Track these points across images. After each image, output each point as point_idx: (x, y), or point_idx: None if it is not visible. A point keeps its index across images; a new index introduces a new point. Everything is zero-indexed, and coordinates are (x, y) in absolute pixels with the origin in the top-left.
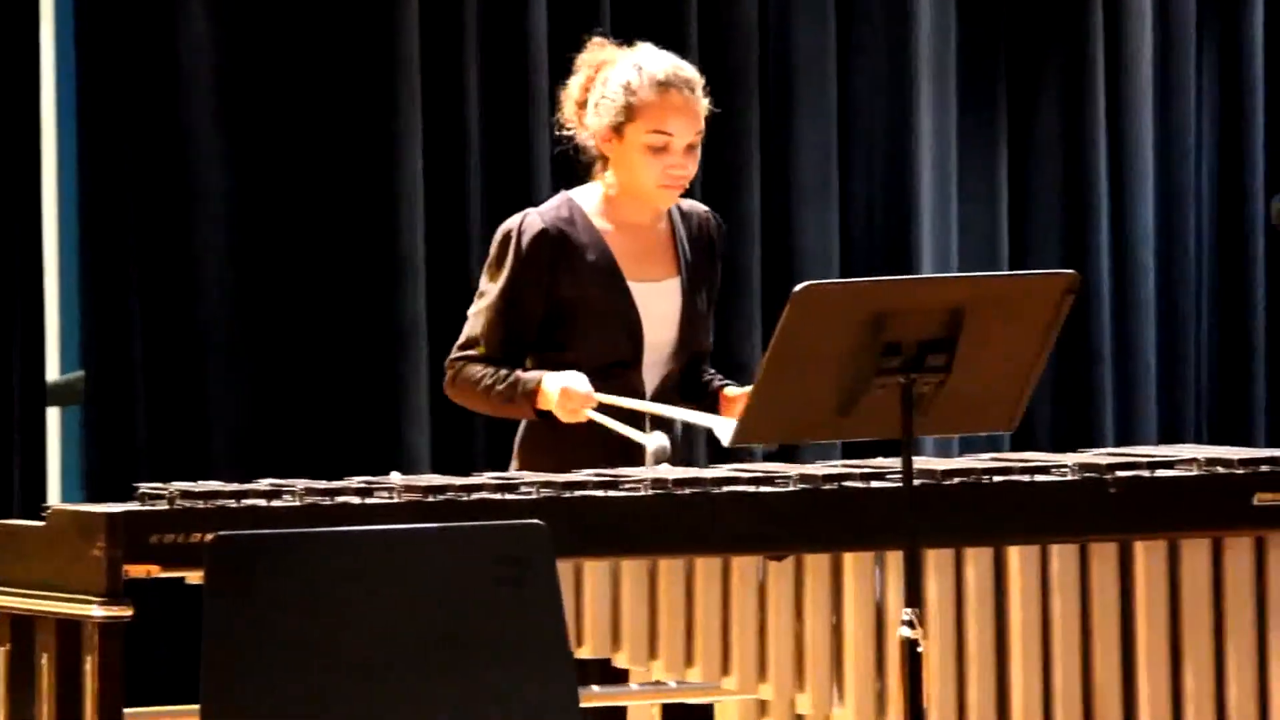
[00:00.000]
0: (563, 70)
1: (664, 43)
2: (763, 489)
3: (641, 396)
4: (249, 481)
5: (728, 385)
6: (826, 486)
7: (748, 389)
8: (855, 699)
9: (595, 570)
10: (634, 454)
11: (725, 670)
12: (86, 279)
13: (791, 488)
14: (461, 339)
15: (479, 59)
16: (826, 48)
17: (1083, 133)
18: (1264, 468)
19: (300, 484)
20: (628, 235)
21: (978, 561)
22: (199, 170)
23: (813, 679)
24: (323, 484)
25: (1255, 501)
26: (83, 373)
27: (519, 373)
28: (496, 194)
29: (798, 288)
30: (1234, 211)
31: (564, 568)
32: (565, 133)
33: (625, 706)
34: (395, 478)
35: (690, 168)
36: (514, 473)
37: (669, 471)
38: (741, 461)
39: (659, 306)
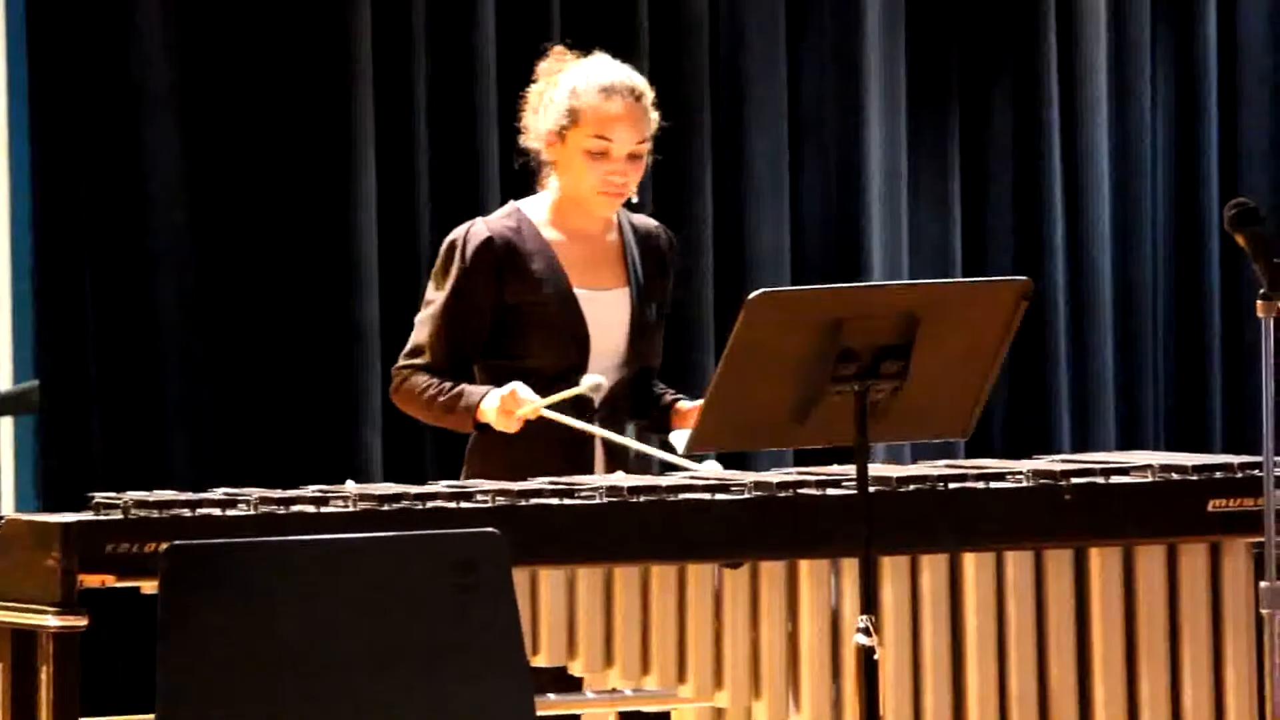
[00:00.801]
0: (511, 79)
1: (615, 51)
2: (718, 496)
3: (589, 404)
4: (204, 490)
5: (680, 399)
6: (782, 494)
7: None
8: (811, 706)
9: (550, 578)
10: (585, 462)
11: (681, 678)
12: (40, 288)
13: (747, 495)
14: (408, 347)
15: (428, 69)
16: (777, 55)
17: (1036, 138)
18: (1218, 474)
19: (255, 493)
20: (576, 244)
21: (933, 568)
22: (153, 178)
23: (769, 686)
24: (278, 493)
25: (1210, 508)
26: (37, 382)
27: (464, 386)
28: (445, 200)
29: (752, 295)
30: (1189, 216)
31: (519, 575)
32: (530, 144)
33: (581, 715)
34: (350, 486)
35: (633, 176)
36: (469, 481)
37: (624, 480)
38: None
39: (606, 315)
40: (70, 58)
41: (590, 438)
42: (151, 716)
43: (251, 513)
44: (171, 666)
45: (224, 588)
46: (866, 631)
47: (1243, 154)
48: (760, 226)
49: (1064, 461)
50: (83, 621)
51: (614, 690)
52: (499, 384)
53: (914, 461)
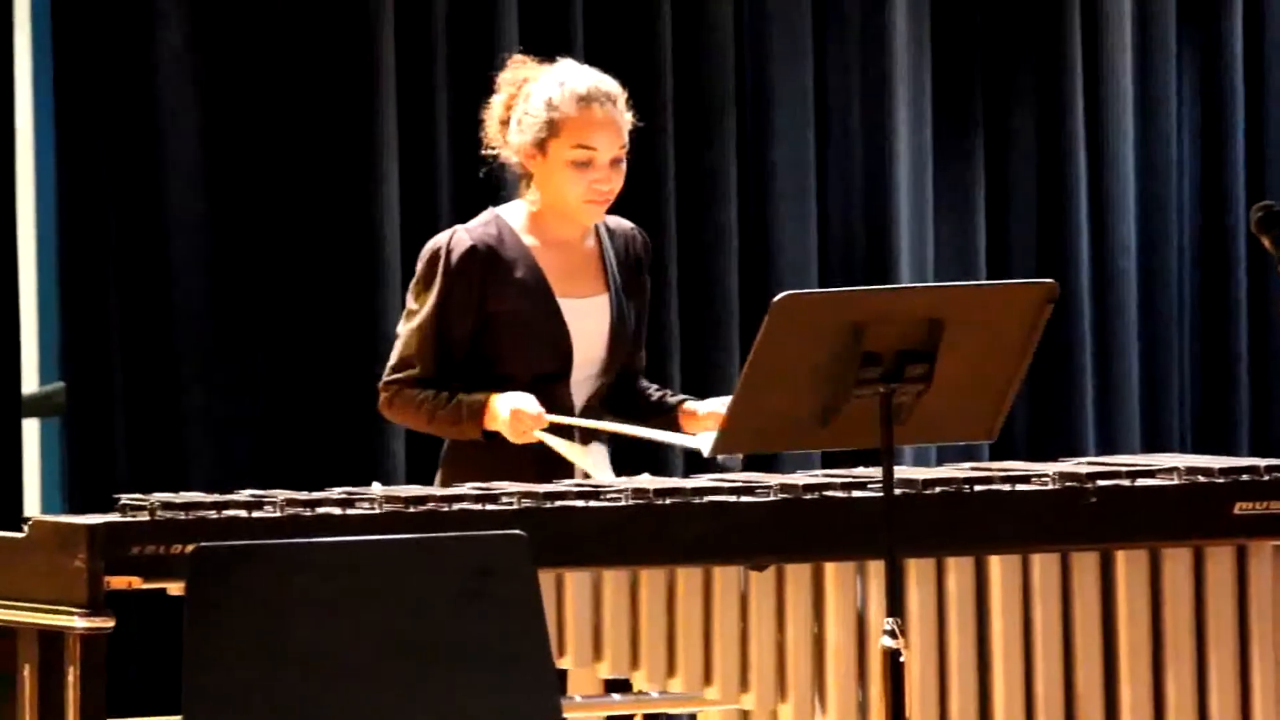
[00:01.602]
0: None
1: (639, 58)
2: (744, 499)
3: (570, 411)
4: (229, 492)
5: (686, 399)
6: (807, 496)
7: (709, 402)
8: (837, 709)
9: (576, 580)
10: (561, 471)
11: (707, 680)
12: (65, 290)
13: (772, 498)
14: (393, 360)
15: (450, 75)
16: (803, 59)
17: (1061, 143)
18: (1244, 477)
19: (281, 495)
20: (555, 252)
21: (959, 571)
22: (177, 183)
23: (794, 689)
24: (304, 495)
25: (1236, 510)
26: (62, 384)
27: (462, 395)
28: (468, 205)
29: (777, 297)
30: (1215, 221)
31: (545, 578)
32: (489, 152)
33: (607, 717)
34: (376, 488)
35: (615, 182)
36: (494, 484)
37: (649, 482)
38: (720, 472)
39: (588, 323)
40: (94, 62)
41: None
42: (177, 718)
43: (278, 514)
44: (197, 668)
45: (250, 589)
46: (892, 634)
47: (1269, 159)
48: (786, 230)
49: (1089, 464)
50: (109, 623)
51: (640, 693)
52: (482, 391)
53: (939, 464)
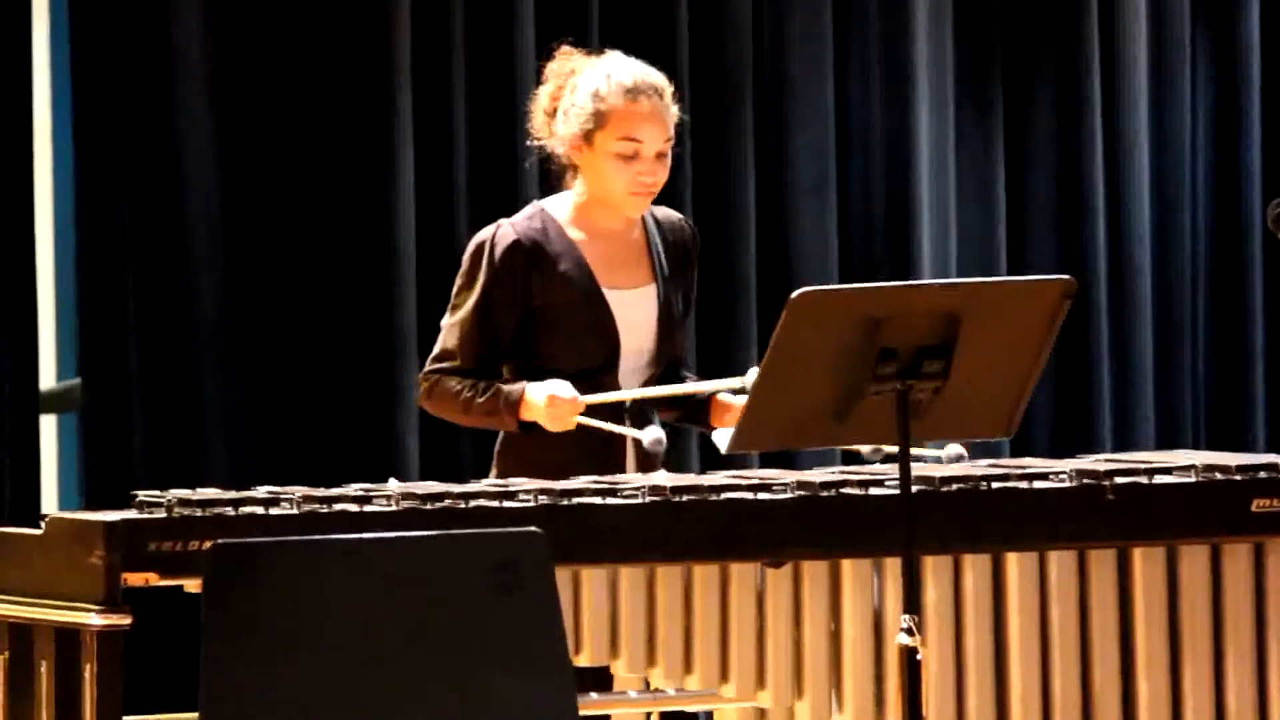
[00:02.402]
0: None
1: (656, 46)
2: (760, 496)
3: (620, 406)
4: (246, 488)
5: (718, 391)
6: (824, 493)
7: (738, 395)
8: (854, 706)
9: (593, 577)
10: (617, 461)
11: (724, 677)
12: (83, 287)
13: (789, 494)
14: (436, 351)
15: (467, 67)
16: (823, 49)
17: (1079, 135)
18: (1262, 474)
19: (298, 491)
20: (601, 243)
21: (976, 568)
22: (194, 178)
23: (811, 686)
24: (321, 491)
25: (1253, 508)
26: (79, 380)
27: (500, 385)
28: (484, 201)
29: (794, 293)
30: (1230, 215)
31: (562, 575)
32: (535, 143)
33: (623, 714)
34: (393, 485)
35: (660, 175)
36: (511, 480)
37: (667, 479)
38: (737, 469)
39: (634, 313)
40: (112, 59)
41: (622, 440)
42: (195, 715)
43: (295, 511)
44: (215, 664)
45: (267, 586)
46: (909, 631)
47: None
48: (805, 223)
49: (1107, 461)
50: (126, 620)
51: (656, 690)
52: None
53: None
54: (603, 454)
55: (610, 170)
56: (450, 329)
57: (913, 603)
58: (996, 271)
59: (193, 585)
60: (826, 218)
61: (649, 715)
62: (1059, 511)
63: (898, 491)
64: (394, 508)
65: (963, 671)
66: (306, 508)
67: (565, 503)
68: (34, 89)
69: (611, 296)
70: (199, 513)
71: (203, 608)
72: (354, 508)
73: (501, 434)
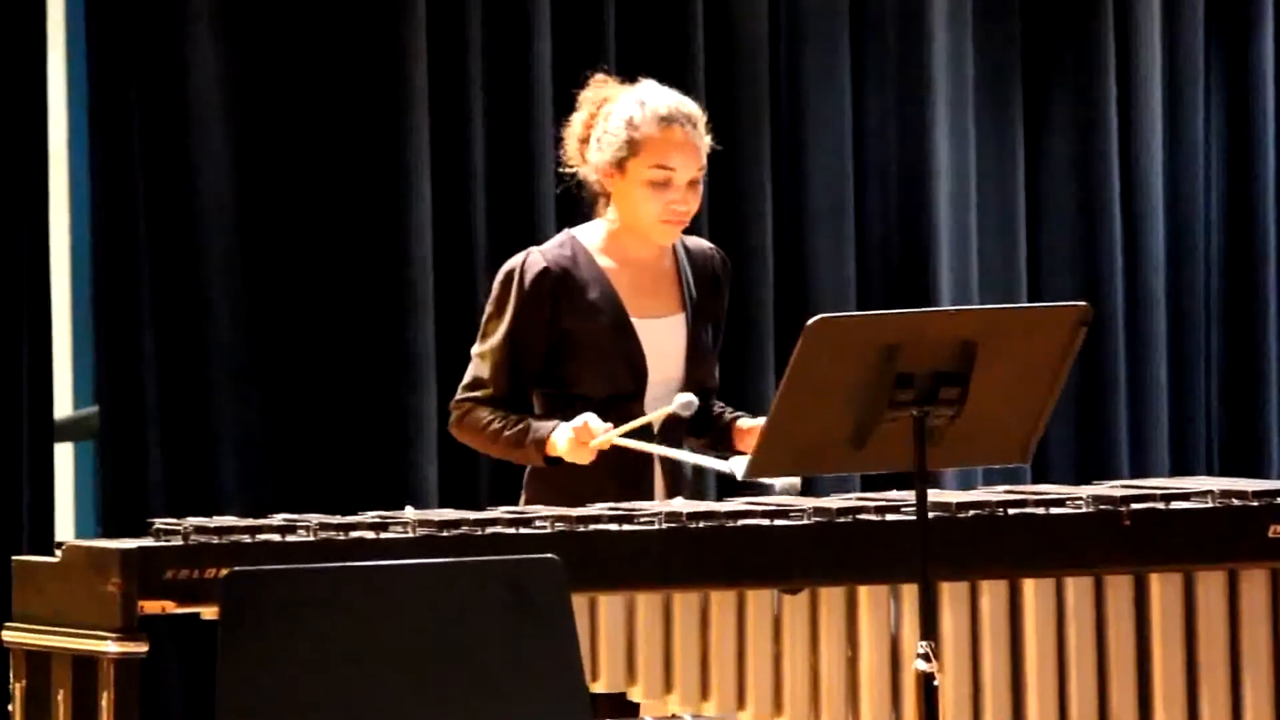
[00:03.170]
0: (567, 104)
1: (672, 70)
2: (777, 522)
3: (649, 435)
4: (262, 516)
5: (741, 417)
6: (841, 519)
7: (761, 420)
8: None
9: (610, 604)
10: (644, 490)
11: (741, 704)
12: (99, 314)
13: (806, 521)
14: (467, 379)
15: (484, 94)
16: (839, 76)
17: (1097, 163)
18: (1279, 500)
19: (314, 519)
20: (631, 271)
21: (993, 594)
22: (210, 206)
23: (828, 712)
24: (337, 519)
25: (1270, 533)
26: (96, 408)
27: (530, 419)
28: (501, 228)
29: (811, 320)
30: (1243, 240)
31: (579, 601)
32: (567, 170)
33: None
34: (409, 512)
35: (692, 203)
36: (528, 507)
37: (683, 505)
38: (756, 495)
39: (663, 342)
40: (128, 89)
41: (649, 466)
42: None
43: (311, 539)
44: (231, 692)
45: (284, 613)
46: (926, 657)
47: None
48: (822, 251)
49: (1124, 487)
50: (143, 647)
51: (673, 717)
52: (556, 412)
53: (983, 485)
54: (631, 481)
55: (642, 198)
56: (481, 357)
57: (929, 628)
58: (1016, 299)
59: (209, 613)
60: (843, 245)
61: None
62: (1076, 537)
63: (914, 518)
64: (410, 535)
65: (979, 697)
66: (323, 535)
67: (581, 529)
68: (49, 117)
69: (640, 325)
70: (215, 540)
71: (219, 635)
72: (370, 535)
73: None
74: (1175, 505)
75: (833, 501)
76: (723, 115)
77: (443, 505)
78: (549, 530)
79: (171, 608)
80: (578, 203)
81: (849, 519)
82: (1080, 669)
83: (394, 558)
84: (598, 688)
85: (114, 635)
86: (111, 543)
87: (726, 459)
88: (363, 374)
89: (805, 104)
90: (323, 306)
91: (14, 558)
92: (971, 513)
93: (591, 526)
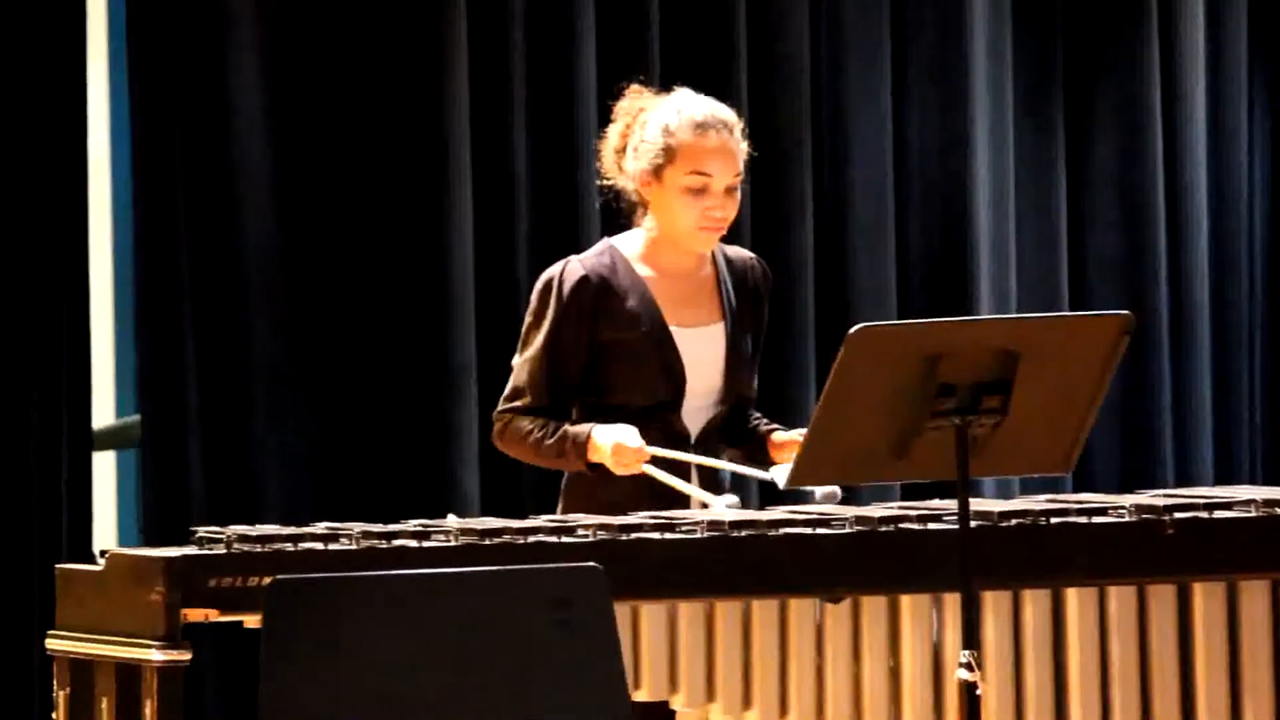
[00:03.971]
0: (610, 115)
1: (715, 83)
2: (819, 531)
3: (685, 439)
4: (305, 525)
5: (776, 429)
6: (883, 529)
7: (796, 432)
8: None
9: (652, 613)
10: (682, 501)
11: (783, 713)
12: (142, 324)
13: (848, 530)
14: (508, 390)
15: (527, 102)
16: (880, 87)
17: (1141, 173)
18: None
19: (357, 527)
20: (670, 281)
21: (1035, 603)
22: (252, 216)
23: None
24: (379, 527)
25: None
26: (139, 417)
27: (568, 426)
28: (544, 237)
29: (853, 329)
30: None
31: (621, 610)
32: (605, 182)
33: None
34: (452, 521)
35: (730, 210)
36: (570, 516)
37: (725, 514)
38: (798, 503)
39: (702, 351)
40: (171, 99)
41: (686, 477)
42: None
43: (354, 547)
44: (274, 700)
45: (327, 622)
46: (969, 667)
47: None
48: (863, 261)
49: (1166, 496)
50: (186, 656)
51: None
52: (595, 421)
53: (1021, 494)
54: (668, 491)
55: (680, 205)
56: (521, 367)
57: (972, 638)
58: (1058, 309)
59: (252, 621)
60: (884, 255)
61: None
62: (1119, 546)
63: (956, 527)
64: (453, 543)
65: (1022, 707)
66: (365, 543)
67: (624, 538)
68: (91, 124)
69: (679, 334)
70: (258, 549)
71: (262, 643)
72: (413, 543)
73: (567, 473)
74: (1218, 514)
75: (875, 510)
76: (765, 126)
77: (484, 514)
78: (591, 539)
79: (214, 616)
80: (620, 212)
81: (891, 528)
82: (1123, 679)
83: (437, 566)
84: (639, 696)
85: (157, 643)
86: (155, 551)
87: (765, 470)
88: (404, 383)
89: (846, 115)
90: (364, 315)
91: (57, 566)
92: (1014, 521)
93: (633, 535)
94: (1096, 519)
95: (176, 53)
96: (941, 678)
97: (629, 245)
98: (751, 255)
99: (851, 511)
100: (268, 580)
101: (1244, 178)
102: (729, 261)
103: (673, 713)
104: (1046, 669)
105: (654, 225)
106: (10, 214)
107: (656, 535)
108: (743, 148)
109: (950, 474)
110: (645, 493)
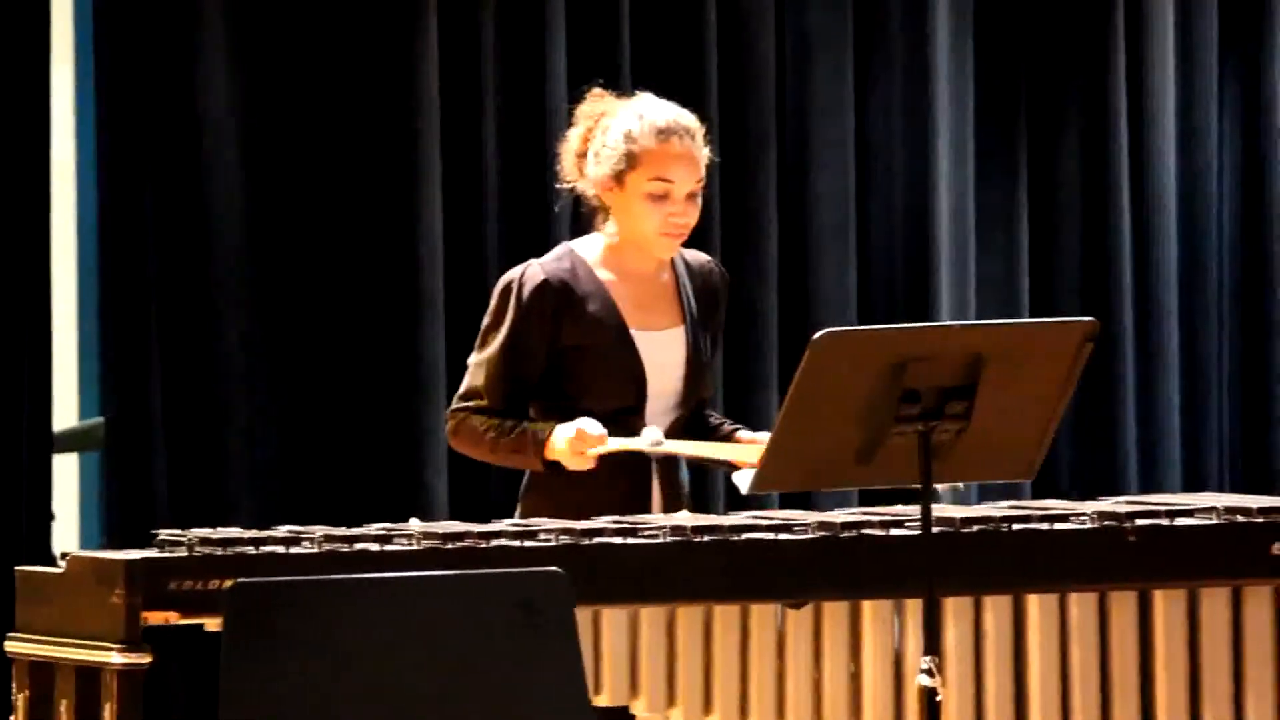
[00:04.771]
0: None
1: (683, 91)
2: (781, 536)
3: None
4: (268, 528)
5: (739, 429)
6: (845, 534)
7: (760, 434)
8: None
9: (614, 617)
10: (642, 502)
11: (744, 718)
12: (106, 325)
13: (810, 535)
14: (463, 389)
15: (497, 104)
16: (844, 94)
17: (1105, 178)
18: None
19: (319, 531)
20: (631, 285)
21: (996, 609)
22: (219, 215)
23: None
24: (341, 531)
25: (1275, 550)
26: (102, 419)
27: (527, 424)
28: (514, 240)
29: (817, 334)
30: (1256, 259)
31: (582, 614)
32: (564, 185)
33: None
34: (414, 524)
35: (691, 216)
36: (532, 520)
37: (687, 519)
38: (758, 509)
39: (663, 355)
40: (137, 100)
41: (646, 478)
42: None
43: (315, 550)
44: (235, 704)
45: (288, 625)
46: (929, 673)
47: None
48: (826, 268)
49: (1128, 503)
50: (146, 659)
51: None
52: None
53: (980, 502)
54: (628, 494)
55: (641, 211)
56: (477, 367)
57: (933, 644)
58: (1019, 316)
59: (213, 624)
60: (847, 262)
61: None
62: (1080, 553)
63: (918, 532)
64: (415, 547)
65: (982, 713)
66: (327, 547)
67: (586, 542)
68: (55, 126)
69: (640, 338)
70: (220, 551)
71: (223, 647)
72: (375, 547)
73: (527, 473)
74: (1179, 522)
75: (837, 516)
76: (732, 135)
77: (452, 518)
78: (553, 543)
79: (175, 619)
80: (589, 217)
81: (853, 533)
82: (1084, 685)
83: (399, 570)
84: (601, 701)
85: (118, 646)
86: (116, 554)
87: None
88: (372, 386)
89: (811, 124)
90: (332, 319)
91: (17, 568)
92: (976, 528)
93: (596, 540)
94: (1058, 525)
95: (144, 54)
96: (902, 683)
97: (589, 249)
98: (709, 259)
99: (814, 517)
100: (229, 583)
101: (1214, 181)
102: (688, 265)
103: (633, 718)
104: (1007, 675)
105: (615, 230)
106: None
107: (619, 540)
108: (705, 154)
109: (913, 480)
110: (606, 495)
